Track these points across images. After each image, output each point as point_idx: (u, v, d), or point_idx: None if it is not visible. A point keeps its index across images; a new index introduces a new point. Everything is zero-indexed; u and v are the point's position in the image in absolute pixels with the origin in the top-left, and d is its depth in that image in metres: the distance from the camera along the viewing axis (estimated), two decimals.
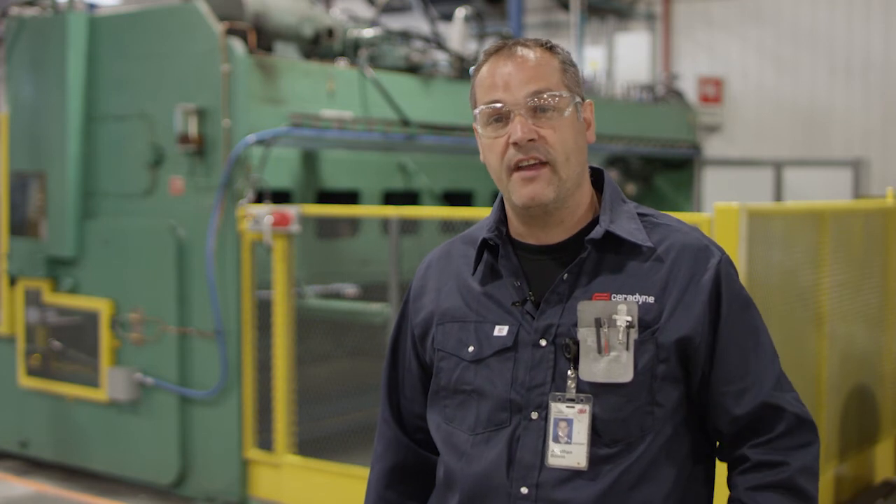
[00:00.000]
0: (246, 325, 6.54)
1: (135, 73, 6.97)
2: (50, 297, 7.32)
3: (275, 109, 6.71)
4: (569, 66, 1.99)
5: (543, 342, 1.94)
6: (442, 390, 2.04)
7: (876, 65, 12.80)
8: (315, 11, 7.70)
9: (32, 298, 7.42)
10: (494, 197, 2.10)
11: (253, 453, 6.58)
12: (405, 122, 7.57)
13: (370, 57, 7.64)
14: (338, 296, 7.81)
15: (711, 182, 12.16)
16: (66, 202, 7.11)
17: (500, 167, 1.95)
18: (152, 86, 6.88)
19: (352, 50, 7.71)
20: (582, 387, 1.91)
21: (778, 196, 12.23)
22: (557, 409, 1.91)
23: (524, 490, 1.91)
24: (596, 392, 1.90)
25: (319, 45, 7.60)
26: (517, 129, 1.91)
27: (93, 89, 7.12)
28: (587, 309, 1.92)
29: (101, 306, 7.04)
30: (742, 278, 4.75)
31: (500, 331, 1.98)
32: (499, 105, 1.94)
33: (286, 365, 6.43)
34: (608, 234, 1.96)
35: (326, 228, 7.85)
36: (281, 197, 7.08)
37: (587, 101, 2.02)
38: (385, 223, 7.22)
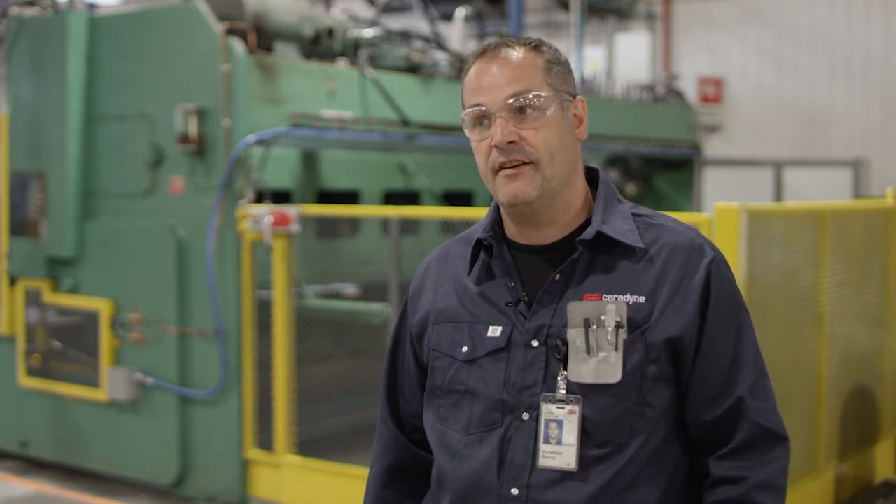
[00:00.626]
0: (246, 325, 6.54)
1: (135, 73, 6.97)
2: (50, 297, 7.32)
3: (275, 109, 6.71)
4: (554, 65, 1.98)
5: (535, 343, 1.94)
6: (436, 390, 2.05)
7: (876, 65, 12.80)
8: (315, 11, 7.70)
9: (32, 298, 7.42)
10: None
11: (253, 453, 6.58)
12: (405, 122, 7.57)
13: (370, 57, 7.64)
14: (338, 296, 7.81)
15: (711, 182, 12.15)
16: (66, 202, 7.10)
17: (486, 168, 1.96)
18: (152, 86, 6.88)
19: (352, 50, 7.71)
20: (572, 388, 1.90)
21: (778, 196, 12.23)
22: (548, 409, 1.91)
23: (515, 491, 1.91)
24: (585, 393, 1.90)
25: (319, 45, 7.60)
26: (497, 131, 1.92)
27: (93, 89, 7.12)
28: (577, 309, 1.92)
29: (101, 306, 7.04)
30: (742, 278, 4.77)
31: (494, 331, 1.98)
32: (481, 108, 1.95)
33: (286, 365, 6.43)
34: (600, 235, 1.95)
35: (326, 228, 7.85)
36: (281, 197, 7.08)
37: (578, 97, 2.02)
38: (385, 223, 7.22)
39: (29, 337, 7.47)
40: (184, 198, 6.74)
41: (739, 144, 13.54)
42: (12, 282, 7.54)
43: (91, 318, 7.10)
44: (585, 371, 1.90)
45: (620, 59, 14.00)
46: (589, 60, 13.71)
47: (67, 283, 7.24)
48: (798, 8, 13.29)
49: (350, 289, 7.88)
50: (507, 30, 11.25)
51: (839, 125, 13.02)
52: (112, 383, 6.89)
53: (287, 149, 7.32)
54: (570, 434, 1.89)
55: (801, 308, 5.45)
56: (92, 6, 9.09)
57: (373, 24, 8.25)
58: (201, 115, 6.57)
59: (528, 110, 1.93)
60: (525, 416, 1.92)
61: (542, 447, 1.90)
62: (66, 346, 7.25)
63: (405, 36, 8.40)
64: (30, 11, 7.53)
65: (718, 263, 1.97)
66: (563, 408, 1.90)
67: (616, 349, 1.89)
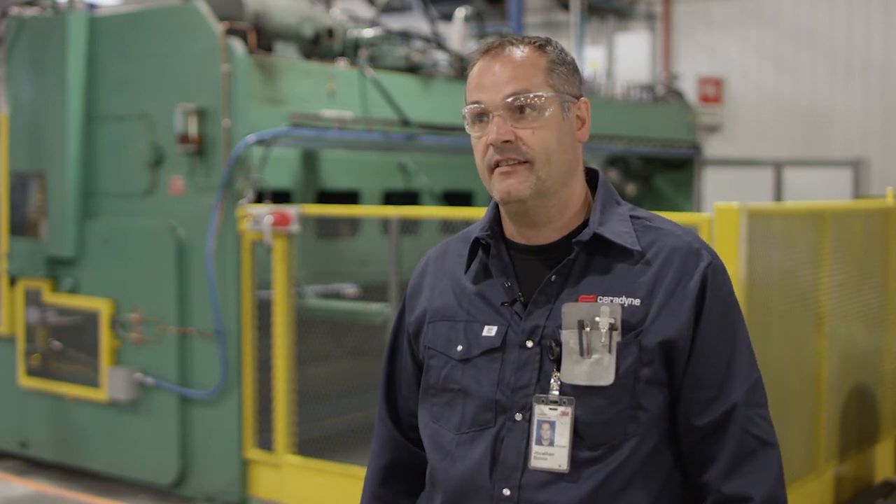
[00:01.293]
0: (246, 325, 6.54)
1: (135, 73, 6.97)
2: (50, 297, 7.32)
3: (275, 109, 6.71)
4: (557, 65, 1.97)
5: (530, 343, 1.93)
6: (430, 388, 2.04)
7: (876, 65, 12.80)
8: (315, 11, 7.70)
9: (32, 298, 7.42)
10: None
11: (253, 453, 6.58)
12: (405, 122, 7.57)
13: (370, 57, 7.64)
14: (338, 296, 7.81)
15: (711, 182, 12.15)
16: (66, 202, 7.11)
17: (483, 166, 1.97)
18: (152, 86, 6.88)
19: (352, 50, 7.71)
20: (564, 389, 1.90)
21: (778, 196, 12.23)
22: (541, 410, 1.90)
23: (506, 492, 1.90)
24: (578, 394, 1.89)
25: (319, 45, 7.60)
26: (493, 129, 1.92)
27: (93, 89, 7.12)
28: (571, 311, 1.91)
29: (101, 306, 7.04)
30: (742, 278, 4.77)
31: (489, 331, 1.97)
32: (480, 105, 1.95)
33: (286, 365, 6.43)
34: (597, 237, 1.95)
35: (326, 228, 7.85)
36: (281, 197, 7.08)
37: (581, 99, 2.01)
38: (385, 223, 7.22)
39: (29, 337, 7.47)
40: (184, 198, 6.74)
41: (739, 144, 13.54)
42: (12, 282, 7.54)
43: (91, 318, 7.10)
44: (578, 373, 1.89)
45: (620, 59, 14.01)
46: (589, 60, 13.71)
47: (67, 283, 7.24)
48: (798, 8, 13.29)
49: (350, 289, 7.88)
50: (507, 30, 11.25)
51: (839, 125, 13.02)
52: (112, 383, 6.89)
53: (287, 149, 7.32)
54: (563, 435, 1.88)
55: (801, 308, 5.45)
56: (92, 6, 9.09)
57: (373, 24, 8.25)
58: (201, 115, 6.57)
59: (527, 110, 1.92)
60: (518, 416, 1.92)
61: (535, 448, 1.89)
62: (66, 346, 7.25)
63: (405, 36, 8.40)
64: (30, 11, 7.52)
65: (715, 268, 1.96)
66: (555, 409, 1.89)
67: (609, 351, 1.88)
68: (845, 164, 12.43)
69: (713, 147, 13.40)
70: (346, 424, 7.08)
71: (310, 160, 7.79)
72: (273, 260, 6.42)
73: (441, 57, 8.62)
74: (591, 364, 1.89)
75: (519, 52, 1.96)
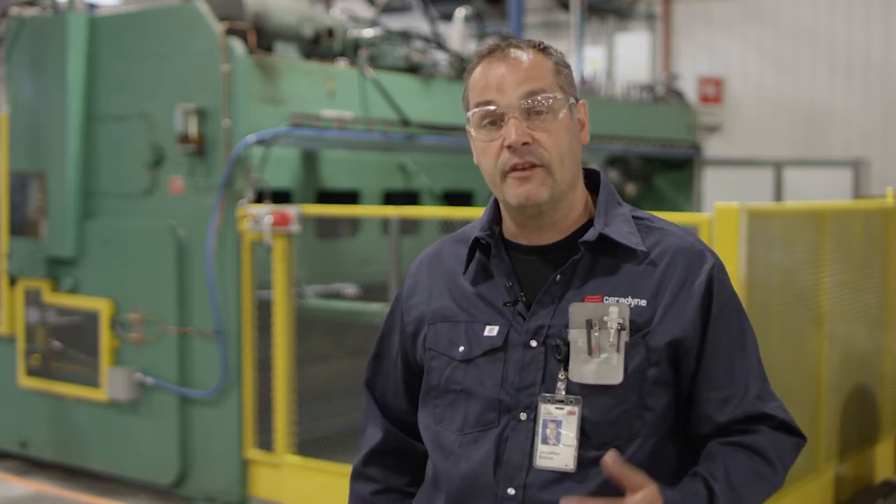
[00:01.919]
0: (246, 325, 6.54)
1: (135, 73, 6.97)
2: (50, 297, 7.32)
3: (275, 109, 6.71)
4: (562, 68, 1.98)
5: (534, 343, 1.93)
6: (433, 390, 2.04)
7: (876, 65, 12.80)
8: (315, 11, 7.70)
9: (32, 298, 7.42)
10: None
11: (253, 453, 6.58)
12: (405, 122, 7.57)
13: (370, 57, 7.64)
14: (338, 296, 7.81)
15: (711, 182, 12.16)
16: (66, 202, 7.10)
17: (494, 170, 1.94)
18: (152, 86, 6.88)
19: (352, 50, 7.71)
20: (571, 388, 1.90)
21: (778, 196, 12.24)
22: (546, 410, 1.90)
23: (511, 491, 1.90)
24: (585, 394, 1.89)
25: (319, 45, 7.60)
26: (511, 131, 1.90)
27: (93, 89, 7.12)
28: (578, 310, 1.91)
29: (101, 306, 7.04)
30: (742, 278, 4.77)
31: (491, 331, 1.97)
32: (492, 107, 1.92)
33: (286, 365, 6.43)
34: (602, 237, 1.95)
35: (326, 228, 7.86)
36: (281, 197, 7.08)
37: (581, 101, 2.01)
38: (385, 223, 7.22)
39: (29, 337, 7.47)
40: (184, 198, 6.74)
41: (739, 144, 13.55)
42: (12, 282, 7.54)
43: (91, 318, 7.10)
44: (587, 372, 1.89)
45: (620, 59, 14.01)
46: (589, 60, 13.72)
47: (67, 283, 7.24)
48: (798, 8, 13.29)
49: (350, 289, 7.88)
50: (507, 30, 11.24)
51: (839, 125, 13.02)
52: (112, 383, 6.89)
53: (287, 149, 7.32)
54: (569, 435, 1.88)
55: (801, 308, 5.45)
56: (92, 6, 9.09)
57: (373, 24, 8.25)
58: (201, 115, 6.57)
59: (542, 112, 1.91)
60: (522, 415, 1.92)
61: (540, 447, 1.89)
62: (66, 346, 7.25)
63: (405, 36, 8.40)
64: (30, 11, 7.52)
65: (719, 269, 1.98)
66: (562, 408, 1.89)
67: (618, 351, 1.89)
68: (845, 164, 12.43)
69: (713, 147, 13.41)
70: (346, 424, 7.07)
71: (310, 160, 7.79)
72: (273, 260, 6.42)
73: (441, 57, 8.62)
74: (600, 363, 1.89)
75: (525, 55, 1.95)
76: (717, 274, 1.96)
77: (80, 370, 7.16)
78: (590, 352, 1.89)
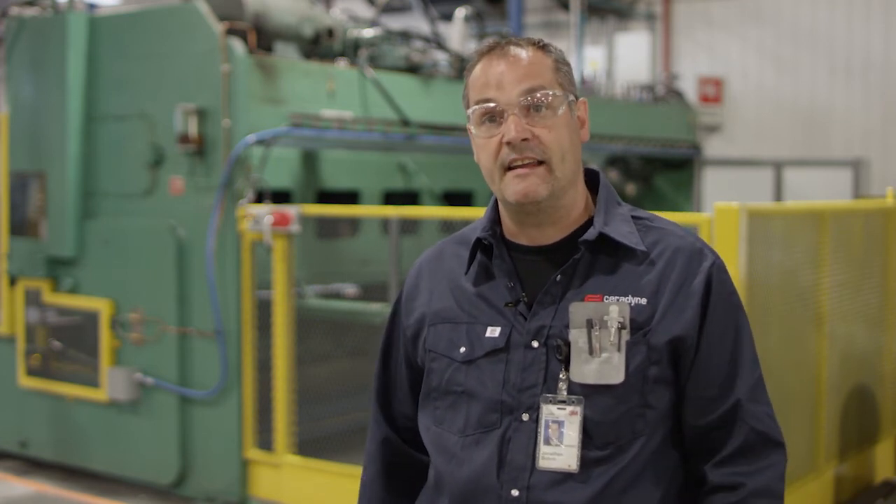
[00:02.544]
0: (246, 325, 6.54)
1: (135, 73, 6.97)
2: (50, 297, 7.32)
3: (275, 109, 6.71)
4: (562, 65, 1.98)
5: (535, 343, 1.93)
6: (433, 391, 2.03)
7: (876, 65, 12.79)
8: (315, 11, 7.70)
9: (32, 298, 7.42)
10: None
11: (253, 453, 6.57)
12: (405, 122, 7.57)
13: (370, 57, 7.64)
14: (338, 296, 7.81)
15: (711, 182, 12.16)
16: (66, 202, 7.10)
17: (493, 167, 1.94)
18: (152, 86, 6.88)
19: (352, 50, 7.71)
20: (573, 388, 1.90)
21: (778, 196, 12.24)
22: (549, 410, 1.90)
23: (515, 492, 1.90)
24: (587, 394, 1.89)
25: (319, 45, 7.60)
26: (511, 128, 1.90)
27: (93, 89, 7.12)
28: (579, 310, 1.91)
29: (101, 306, 7.04)
30: (742, 278, 4.77)
31: (493, 332, 1.97)
32: (492, 104, 1.93)
33: (286, 365, 6.43)
34: (602, 236, 1.95)
35: (326, 228, 7.85)
36: (281, 197, 7.08)
37: (581, 99, 2.01)
38: (385, 223, 7.22)
39: (29, 337, 7.47)
40: (184, 198, 6.74)
41: (739, 144, 13.54)
42: (12, 282, 7.54)
43: (91, 318, 7.10)
44: (588, 371, 1.89)
45: (620, 59, 14.01)
46: (589, 60, 13.72)
47: (67, 283, 7.23)
48: (798, 8, 13.29)
49: (350, 289, 7.88)
50: (507, 30, 11.25)
51: (839, 125, 13.02)
52: (112, 383, 6.89)
53: (287, 149, 7.32)
54: (572, 435, 1.88)
55: (801, 308, 5.45)
56: (92, 6, 9.09)
57: (373, 24, 8.25)
58: (201, 115, 6.57)
59: (542, 108, 1.92)
60: (525, 416, 1.91)
61: (543, 448, 1.89)
62: (66, 346, 7.25)
63: (405, 36, 8.40)
64: (30, 11, 7.52)
65: (719, 267, 1.97)
66: (564, 409, 1.89)
67: (619, 350, 1.88)
68: (845, 164, 12.43)
69: (713, 147, 13.40)
70: (346, 424, 7.08)
71: (310, 160, 7.79)
72: (273, 260, 6.42)
73: (441, 57, 8.62)
74: (601, 363, 1.89)
75: (525, 52, 1.95)
76: (717, 272, 1.96)
77: (80, 370, 7.16)
78: (591, 351, 1.89)
